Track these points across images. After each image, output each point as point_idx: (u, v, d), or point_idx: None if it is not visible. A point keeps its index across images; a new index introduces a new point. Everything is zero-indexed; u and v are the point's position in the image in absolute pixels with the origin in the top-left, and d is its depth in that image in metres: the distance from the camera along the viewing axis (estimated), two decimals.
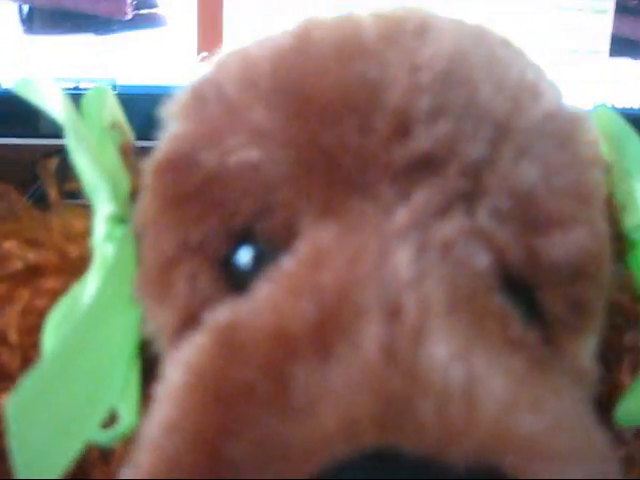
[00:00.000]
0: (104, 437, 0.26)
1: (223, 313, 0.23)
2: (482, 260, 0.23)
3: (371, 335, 0.20)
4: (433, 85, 0.24)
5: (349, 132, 0.24)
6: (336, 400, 0.19)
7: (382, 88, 0.24)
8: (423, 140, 0.24)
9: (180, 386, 0.22)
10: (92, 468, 0.31)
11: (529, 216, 0.25)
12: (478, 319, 0.22)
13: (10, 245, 0.31)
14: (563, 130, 0.27)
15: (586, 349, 0.27)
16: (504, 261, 0.24)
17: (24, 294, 0.31)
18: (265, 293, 0.23)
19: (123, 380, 0.26)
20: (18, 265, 0.31)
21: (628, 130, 0.31)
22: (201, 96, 0.27)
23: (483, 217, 0.24)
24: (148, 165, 0.27)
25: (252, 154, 0.24)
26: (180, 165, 0.26)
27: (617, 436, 0.33)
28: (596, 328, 0.27)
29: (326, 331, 0.21)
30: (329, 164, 0.24)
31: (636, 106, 0.83)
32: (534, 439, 0.20)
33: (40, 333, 0.29)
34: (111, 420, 0.27)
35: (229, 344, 0.22)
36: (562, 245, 0.25)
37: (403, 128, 0.24)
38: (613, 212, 0.30)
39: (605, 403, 0.30)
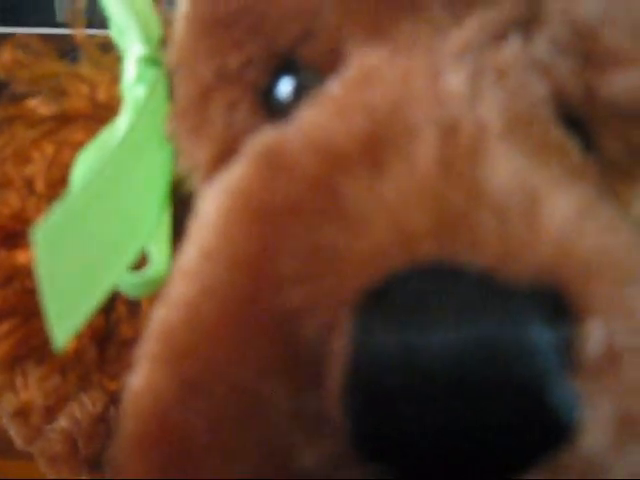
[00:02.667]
0: (132, 280, 0.25)
1: (265, 136, 0.22)
2: (539, 89, 0.22)
3: (426, 151, 0.19)
4: None
5: None
6: (390, 213, 0.18)
7: None
8: None
9: (219, 213, 0.21)
10: (120, 324, 0.30)
11: (589, 51, 0.23)
12: (536, 145, 0.21)
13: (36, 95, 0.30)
14: None
15: None
16: (562, 95, 0.23)
17: (51, 145, 0.30)
18: (309, 115, 0.21)
19: (155, 221, 0.25)
20: (44, 113, 0.29)
21: None
22: None
23: (541, 47, 0.23)
24: None
25: None
26: None
27: None
28: None
29: (378, 147, 0.19)
30: None
31: None
32: (600, 260, 0.18)
33: (66, 186, 0.28)
34: (141, 263, 0.26)
35: (272, 164, 0.20)
36: (622, 84, 0.23)
37: None
38: None
39: None
